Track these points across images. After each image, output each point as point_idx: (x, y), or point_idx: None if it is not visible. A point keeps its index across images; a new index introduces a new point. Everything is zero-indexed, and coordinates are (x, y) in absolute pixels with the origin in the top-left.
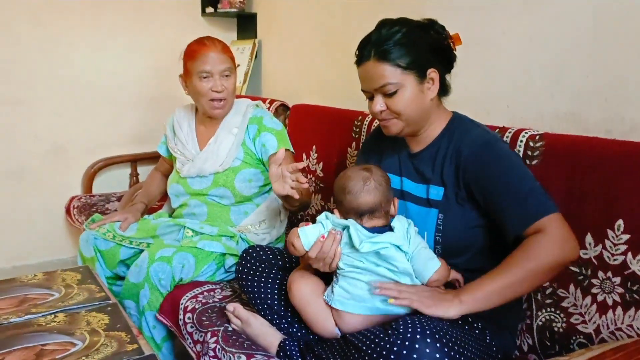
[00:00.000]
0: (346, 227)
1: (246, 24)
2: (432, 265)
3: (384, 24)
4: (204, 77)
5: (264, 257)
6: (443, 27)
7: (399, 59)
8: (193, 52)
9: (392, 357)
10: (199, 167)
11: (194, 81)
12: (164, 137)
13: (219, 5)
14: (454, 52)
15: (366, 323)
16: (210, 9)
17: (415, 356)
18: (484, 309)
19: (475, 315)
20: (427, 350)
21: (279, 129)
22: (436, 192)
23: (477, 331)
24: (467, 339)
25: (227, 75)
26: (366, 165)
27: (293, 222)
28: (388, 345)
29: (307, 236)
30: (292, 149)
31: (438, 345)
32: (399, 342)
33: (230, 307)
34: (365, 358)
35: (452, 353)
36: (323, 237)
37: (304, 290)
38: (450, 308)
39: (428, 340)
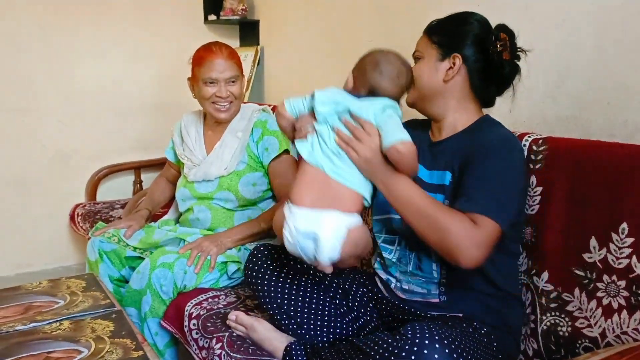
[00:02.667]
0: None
1: (248, 31)
2: (400, 136)
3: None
4: (210, 83)
5: (275, 256)
6: (506, 36)
7: (434, 34)
8: (200, 58)
9: None
10: (204, 171)
11: (200, 86)
12: (171, 143)
13: (221, 13)
14: (503, 64)
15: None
16: (212, 17)
17: None
18: (393, 203)
19: (482, 321)
20: (436, 356)
21: None
22: (444, 177)
23: (484, 338)
24: (474, 345)
25: (232, 82)
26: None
27: None
28: (396, 351)
29: (292, 105)
30: (294, 154)
31: (447, 350)
32: (407, 347)
33: (232, 315)
34: None
35: (461, 359)
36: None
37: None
38: (372, 174)
39: (436, 345)
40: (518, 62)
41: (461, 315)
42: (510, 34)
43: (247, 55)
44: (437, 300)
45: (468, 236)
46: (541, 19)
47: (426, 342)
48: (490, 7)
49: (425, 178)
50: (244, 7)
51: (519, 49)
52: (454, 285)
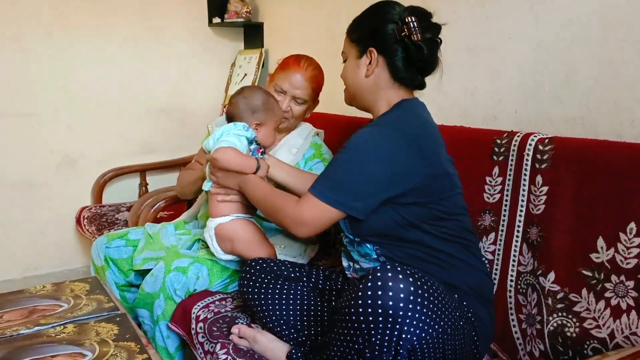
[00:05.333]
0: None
1: (253, 34)
2: (216, 147)
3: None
4: (278, 91)
5: (267, 269)
6: (411, 18)
7: (352, 32)
8: (285, 64)
9: (369, 302)
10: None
11: (271, 88)
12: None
13: (225, 16)
14: (419, 46)
15: None
16: (217, 19)
17: (380, 284)
18: (250, 199)
19: (452, 287)
20: (401, 286)
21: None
22: None
23: (449, 293)
24: (440, 289)
25: (299, 102)
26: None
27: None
28: (361, 286)
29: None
30: None
31: (411, 280)
32: (364, 280)
33: (235, 329)
34: (346, 317)
35: (425, 287)
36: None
37: None
38: (232, 184)
39: (400, 276)
40: (437, 39)
41: None
42: (419, 14)
43: (251, 58)
44: None
45: (290, 213)
46: (547, 18)
47: (389, 274)
48: (496, 7)
49: None
50: (248, 10)
51: (434, 27)
52: (393, 259)
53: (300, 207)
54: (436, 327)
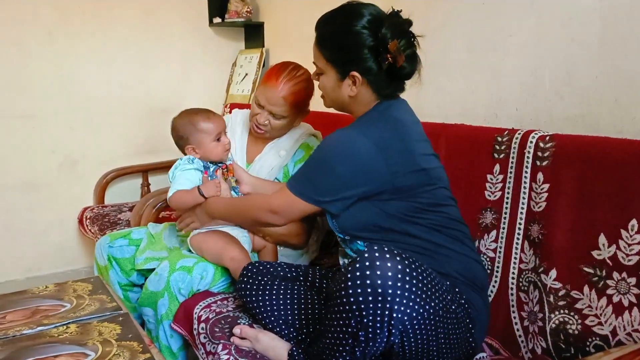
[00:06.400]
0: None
1: (253, 34)
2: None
3: (336, 10)
4: (257, 104)
5: (264, 271)
6: (395, 44)
7: (325, 49)
8: (266, 77)
9: (358, 282)
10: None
11: (253, 99)
12: None
13: (226, 16)
14: (402, 66)
15: None
16: (217, 19)
17: (378, 273)
18: (219, 218)
19: (444, 275)
20: (389, 265)
21: None
22: None
23: (442, 280)
24: (430, 272)
25: (277, 117)
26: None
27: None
28: (350, 268)
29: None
30: None
31: (398, 259)
32: (358, 265)
33: (237, 329)
34: (337, 301)
35: (414, 267)
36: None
37: None
38: (205, 218)
39: (387, 256)
40: (417, 51)
41: None
42: (399, 32)
43: (252, 57)
44: None
45: (261, 203)
46: (547, 16)
47: (377, 254)
48: (496, 4)
49: None
50: (248, 10)
51: (413, 39)
52: None
53: (271, 197)
54: (427, 307)
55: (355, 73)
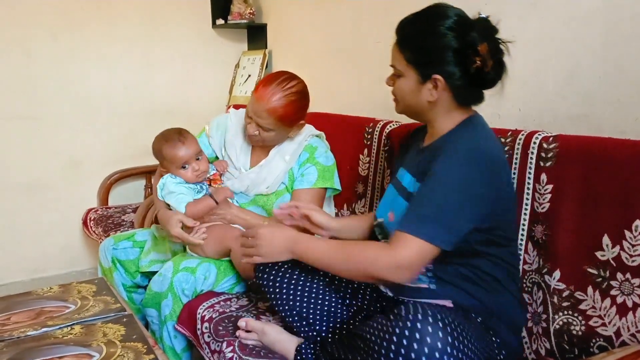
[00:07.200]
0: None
1: (256, 35)
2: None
3: (420, 11)
4: (247, 114)
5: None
6: (486, 47)
7: (407, 50)
8: (256, 88)
9: (394, 339)
10: (245, 186)
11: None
12: (204, 137)
13: (229, 17)
14: (482, 66)
15: None
16: (220, 21)
17: (417, 337)
18: (313, 265)
19: (475, 310)
20: (430, 330)
21: (328, 164)
22: (415, 186)
23: (482, 326)
24: (469, 326)
25: (265, 129)
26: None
27: None
28: (391, 329)
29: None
30: (336, 186)
31: (440, 325)
32: (401, 324)
33: (242, 322)
34: (371, 345)
35: (455, 334)
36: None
37: None
38: (282, 256)
39: (430, 320)
40: (504, 57)
41: (451, 303)
42: (490, 37)
43: (255, 59)
44: (426, 285)
45: (385, 262)
46: (549, 15)
47: (420, 317)
48: (497, 4)
49: (405, 184)
50: (251, 11)
51: (500, 43)
52: (443, 278)
53: (396, 250)
54: None
55: (437, 76)
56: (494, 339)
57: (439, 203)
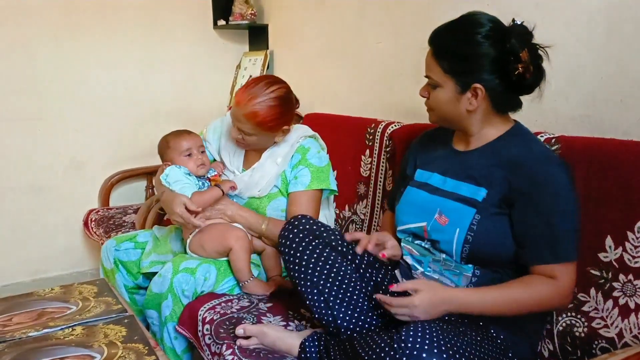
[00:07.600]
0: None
1: (258, 36)
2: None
3: (454, 20)
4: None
5: (313, 228)
6: (526, 54)
7: (443, 59)
8: (237, 92)
9: None
10: (238, 190)
11: None
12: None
13: (230, 18)
14: (524, 72)
15: None
16: (222, 22)
17: None
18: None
19: (499, 325)
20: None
21: (321, 165)
22: (478, 193)
23: (497, 346)
24: (479, 347)
25: (246, 134)
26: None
27: None
28: (392, 352)
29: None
30: (332, 187)
31: (445, 356)
32: (407, 352)
33: (239, 330)
34: (377, 350)
35: (457, 356)
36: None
37: None
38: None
39: (435, 351)
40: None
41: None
42: (528, 43)
43: (256, 60)
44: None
45: (556, 296)
46: (552, 16)
47: (426, 347)
48: (500, 4)
49: (451, 188)
50: (252, 12)
51: (539, 49)
52: (484, 283)
53: (564, 281)
54: None
55: (478, 85)
56: (510, 351)
57: (572, 219)
